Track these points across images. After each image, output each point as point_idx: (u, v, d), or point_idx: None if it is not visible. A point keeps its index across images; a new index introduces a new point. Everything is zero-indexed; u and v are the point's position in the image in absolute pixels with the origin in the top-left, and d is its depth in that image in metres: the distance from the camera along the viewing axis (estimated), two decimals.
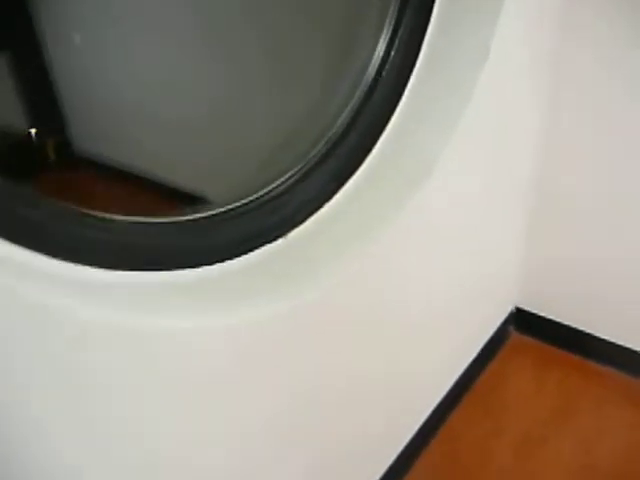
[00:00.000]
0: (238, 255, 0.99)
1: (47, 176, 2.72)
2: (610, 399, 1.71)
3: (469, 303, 1.65)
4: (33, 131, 2.65)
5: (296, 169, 1.11)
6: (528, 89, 1.49)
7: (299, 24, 1.67)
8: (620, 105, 1.47)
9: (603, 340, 1.76)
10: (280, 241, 1.05)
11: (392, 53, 1.17)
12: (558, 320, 1.83)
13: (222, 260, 0.96)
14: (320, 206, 1.11)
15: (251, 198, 1.06)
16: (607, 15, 1.37)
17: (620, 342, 1.74)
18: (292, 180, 1.10)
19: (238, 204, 1.03)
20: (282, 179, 1.10)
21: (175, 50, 2.15)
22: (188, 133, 2.20)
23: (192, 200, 2.23)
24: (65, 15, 2.50)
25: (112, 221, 0.81)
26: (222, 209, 1.02)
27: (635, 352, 1.72)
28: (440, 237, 1.37)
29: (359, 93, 1.18)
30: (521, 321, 1.91)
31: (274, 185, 1.08)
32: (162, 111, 2.29)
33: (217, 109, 2.05)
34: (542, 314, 1.86)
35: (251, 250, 1.01)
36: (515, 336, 1.92)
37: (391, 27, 1.17)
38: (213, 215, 0.99)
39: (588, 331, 1.78)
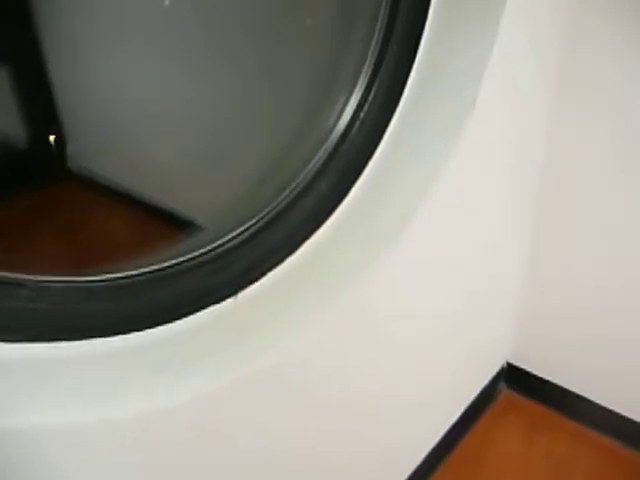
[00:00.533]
0: (178, 318, 0.89)
1: (43, 189, 2.68)
2: (605, 472, 1.57)
3: (458, 356, 1.54)
4: (52, 138, 2.61)
5: (255, 219, 1.01)
6: (512, 160, 1.38)
7: (275, 65, 1.59)
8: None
9: (600, 406, 1.63)
10: (229, 301, 0.95)
11: (370, 99, 1.08)
12: (552, 380, 1.71)
13: (156, 325, 0.86)
14: (279, 262, 1.00)
15: (202, 250, 0.96)
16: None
17: (618, 410, 1.61)
18: (249, 232, 1.00)
19: (183, 259, 0.94)
20: (241, 229, 1.01)
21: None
22: (181, 157, 2.14)
23: (182, 224, 2.18)
24: (68, 31, 2.46)
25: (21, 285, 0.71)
26: (165, 264, 0.92)
27: (634, 422, 1.58)
28: (426, 288, 1.27)
29: (332, 139, 1.08)
30: (512, 378, 1.79)
31: (228, 237, 0.98)
32: (158, 132, 2.24)
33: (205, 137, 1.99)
34: (535, 372, 1.73)
35: (193, 312, 0.90)
36: (506, 393, 1.79)
37: (369, 72, 1.08)
38: (155, 271, 0.89)
39: (584, 394, 1.66)
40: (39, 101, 2.61)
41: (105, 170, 2.51)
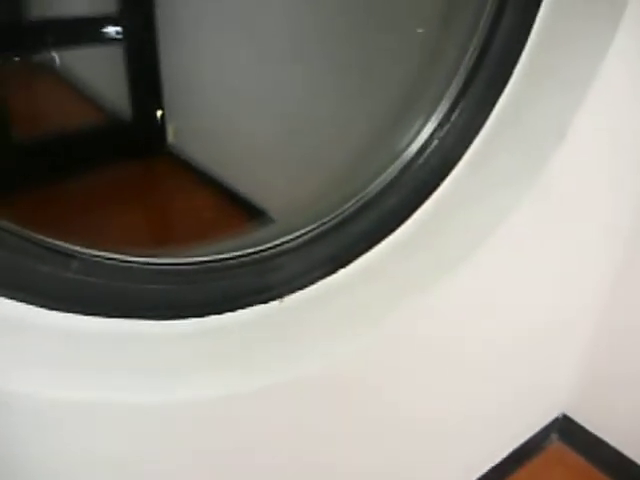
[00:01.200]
0: (226, 311, 0.90)
1: (137, 162, 2.81)
2: None
3: (513, 395, 1.46)
4: (159, 113, 2.74)
5: (315, 225, 1.00)
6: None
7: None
8: None
9: None
10: (275, 303, 0.94)
11: (453, 119, 1.05)
12: (608, 440, 1.59)
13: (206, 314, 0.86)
14: (331, 272, 0.98)
15: (257, 249, 0.96)
16: None
17: None
18: (307, 237, 0.99)
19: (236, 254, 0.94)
20: (297, 233, 1.00)
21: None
22: (267, 148, 2.18)
23: (254, 213, 2.23)
24: (181, 15, 2.55)
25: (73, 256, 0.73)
26: (217, 257, 0.93)
27: None
28: (488, 317, 1.21)
29: (406, 156, 1.05)
30: (566, 430, 1.68)
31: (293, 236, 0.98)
32: (247, 122, 2.29)
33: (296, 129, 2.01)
34: (591, 429, 1.63)
35: (234, 309, 0.90)
36: (557, 445, 1.69)
37: (457, 90, 1.05)
38: (201, 263, 0.90)
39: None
40: (147, 78, 2.74)
41: (197, 151, 2.59)
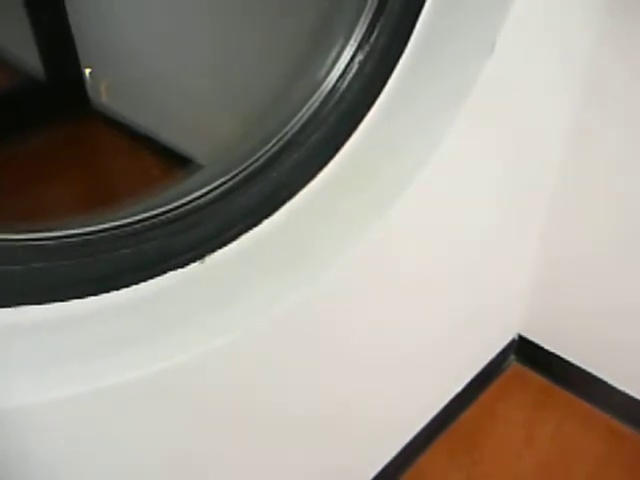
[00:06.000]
0: (136, 282, 0.80)
1: (61, 126, 2.62)
2: (613, 458, 1.47)
3: (467, 322, 1.43)
4: (87, 71, 2.53)
5: (231, 174, 0.90)
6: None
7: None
8: None
9: (613, 387, 1.52)
10: (195, 265, 0.85)
11: (371, 41, 0.94)
12: (564, 356, 1.59)
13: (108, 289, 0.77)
14: (254, 224, 0.89)
15: (167, 208, 0.86)
16: None
17: (633, 393, 1.49)
18: (223, 188, 0.89)
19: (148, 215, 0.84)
20: (214, 184, 0.90)
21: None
22: (187, 91, 2.04)
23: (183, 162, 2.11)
24: None
25: None
26: (127, 220, 0.82)
27: None
28: (433, 243, 1.15)
29: (323, 88, 0.95)
30: (523, 351, 1.68)
31: (198, 194, 0.88)
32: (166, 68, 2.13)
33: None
34: (547, 346, 1.62)
35: (153, 276, 0.81)
36: (514, 366, 1.69)
37: (372, 11, 0.94)
38: (108, 229, 0.79)
39: (597, 374, 1.54)
40: (57, 35, 2.51)
41: (121, 108, 2.43)
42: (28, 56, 2.53)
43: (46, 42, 2.53)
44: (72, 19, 2.45)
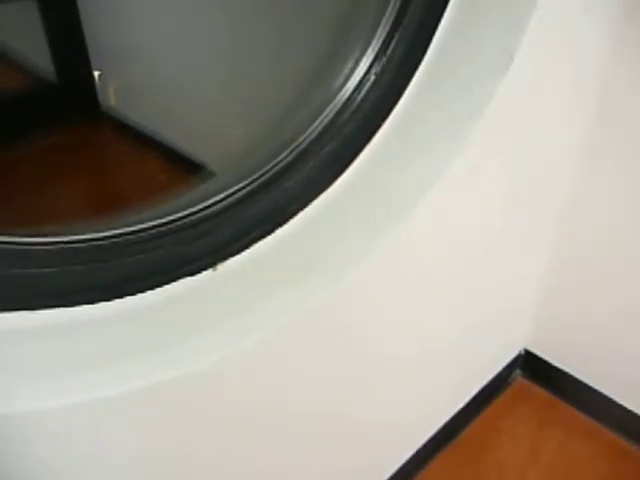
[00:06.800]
0: (146, 289, 0.80)
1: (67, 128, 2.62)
2: (617, 475, 1.46)
3: (472, 338, 1.42)
4: (97, 73, 2.53)
5: (244, 183, 0.90)
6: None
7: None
8: None
9: (618, 404, 1.51)
10: (207, 273, 0.85)
11: (388, 53, 0.94)
12: (570, 372, 1.58)
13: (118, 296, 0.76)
14: (267, 233, 0.89)
15: (179, 215, 0.85)
16: None
17: (637, 410, 1.48)
18: (235, 197, 0.89)
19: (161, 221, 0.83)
20: (227, 192, 0.90)
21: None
22: (203, 100, 2.04)
23: (193, 167, 2.10)
24: None
25: None
26: (138, 226, 0.82)
27: None
28: (445, 253, 1.15)
29: (338, 100, 0.95)
30: (529, 366, 1.67)
31: (212, 200, 0.87)
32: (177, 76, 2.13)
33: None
34: (553, 362, 1.61)
35: (162, 284, 0.80)
36: (520, 381, 1.68)
37: (390, 23, 0.94)
38: (120, 235, 0.79)
39: (602, 390, 1.53)
40: (69, 34, 2.52)
41: (131, 111, 2.43)
42: (39, 58, 2.54)
43: (57, 44, 2.54)
44: (84, 21, 2.46)
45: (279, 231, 0.90)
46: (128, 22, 2.32)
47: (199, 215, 0.86)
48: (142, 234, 0.82)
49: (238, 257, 0.87)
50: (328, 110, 0.95)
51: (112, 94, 2.45)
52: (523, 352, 1.66)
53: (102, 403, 0.70)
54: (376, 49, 0.96)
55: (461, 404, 1.55)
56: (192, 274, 0.83)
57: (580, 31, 1.09)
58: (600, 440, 1.53)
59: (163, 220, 0.84)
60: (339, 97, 0.95)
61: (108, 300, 0.76)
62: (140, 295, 0.78)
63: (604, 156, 1.28)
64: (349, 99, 0.95)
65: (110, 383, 0.72)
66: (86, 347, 0.73)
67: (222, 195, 0.89)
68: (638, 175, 1.26)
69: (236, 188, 0.90)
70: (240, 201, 0.89)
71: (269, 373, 0.89)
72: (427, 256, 1.08)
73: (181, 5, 1.98)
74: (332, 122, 0.94)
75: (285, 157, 0.94)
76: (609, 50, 1.16)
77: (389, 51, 0.95)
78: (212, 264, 0.84)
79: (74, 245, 0.72)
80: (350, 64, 0.97)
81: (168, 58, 2.12)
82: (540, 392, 1.63)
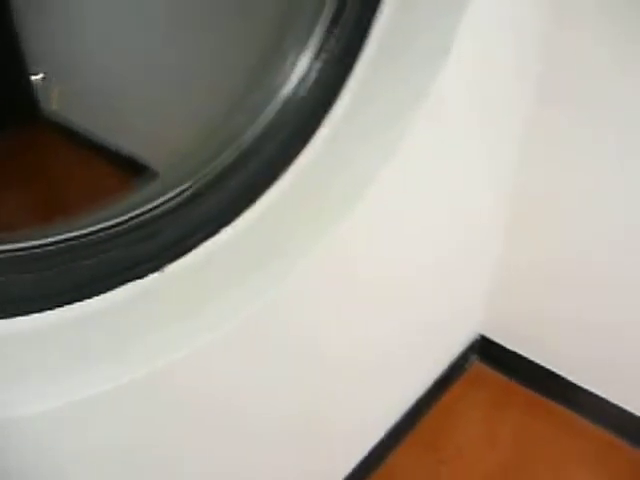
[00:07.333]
0: (95, 294, 0.79)
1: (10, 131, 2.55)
2: (574, 455, 1.50)
3: (427, 324, 1.45)
4: (39, 77, 2.45)
5: (189, 184, 0.89)
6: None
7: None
8: None
9: (577, 386, 1.55)
10: (155, 275, 0.84)
11: (328, 48, 0.95)
12: (526, 355, 1.62)
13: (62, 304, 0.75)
14: (213, 233, 0.89)
15: (124, 217, 0.84)
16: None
17: (593, 390, 1.53)
18: (181, 198, 0.88)
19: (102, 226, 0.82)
20: (170, 194, 0.89)
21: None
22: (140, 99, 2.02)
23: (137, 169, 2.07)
24: None
25: None
26: (81, 231, 0.81)
27: (615, 406, 1.50)
28: (396, 248, 1.16)
29: (279, 98, 0.95)
30: (485, 351, 1.70)
31: (156, 203, 0.87)
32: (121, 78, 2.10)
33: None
34: (509, 346, 1.65)
35: (110, 289, 0.80)
36: (476, 366, 1.72)
37: (327, 22, 0.94)
38: (61, 241, 0.78)
39: (558, 372, 1.58)
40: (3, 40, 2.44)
41: (74, 115, 2.39)
42: None
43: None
44: (23, 26, 2.39)
45: (224, 231, 0.90)
46: (70, 26, 2.27)
47: (144, 217, 0.85)
48: (87, 239, 0.81)
49: (184, 259, 0.86)
50: (269, 109, 0.96)
51: (55, 98, 2.40)
52: (479, 337, 1.69)
53: (46, 414, 0.69)
54: (315, 47, 0.96)
55: (421, 390, 1.58)
56: (139, 277, 0.82)
57: (516, 17, 1.11)
58: (557, 420, 1.57)
59: (109, 223, 0.84)
60: (279, 96, 0.96)
61: (58, 307, 0.75)
62: (87, 301, 0.77)
63: (548, 138, 1.31)
64: (289, 98, 0.95)
65: (56, 393, 0.71)
66: (35, 355, 0.72)
67: (166, 197, 0.89)
68: (584, 156, 1.29)
69: (180, 189, 0.89)
70: (185, 202, 0.89)
71: (221, 374, 0.88)
72: (376, 251, 1.09)
73: (121, 10, 1.96)
74: (273, 121, 0.94)
75: (227, 157, 0.94)
76: (545, 31, 1.17)
77: (329, 47, 0.95)
78: (159, 267, 0.84)
79: (20, 253, 0.70)
80: (289, 63, 0.97)
81: (109, 60, 2.09)
82: (496, 376, 1.67)
